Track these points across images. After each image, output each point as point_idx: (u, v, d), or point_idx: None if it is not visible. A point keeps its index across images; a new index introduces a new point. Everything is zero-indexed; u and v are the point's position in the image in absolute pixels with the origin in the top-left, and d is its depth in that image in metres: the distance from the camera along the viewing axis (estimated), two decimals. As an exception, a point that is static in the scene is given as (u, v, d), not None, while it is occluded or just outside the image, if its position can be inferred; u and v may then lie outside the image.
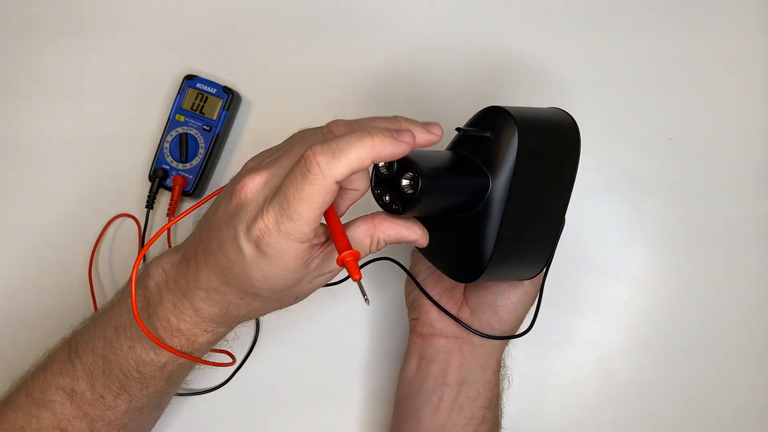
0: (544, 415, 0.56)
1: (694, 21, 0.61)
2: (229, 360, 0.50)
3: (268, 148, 0.40)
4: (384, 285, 0.59)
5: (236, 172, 0.38)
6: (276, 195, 0.34)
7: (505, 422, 0.52)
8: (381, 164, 0.40)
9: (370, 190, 0.40)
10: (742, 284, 0.58)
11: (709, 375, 0.57)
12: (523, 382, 0.55)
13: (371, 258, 0.54)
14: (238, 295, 0.38)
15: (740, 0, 0.60)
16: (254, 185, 0.35)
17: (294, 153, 0.36)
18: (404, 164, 0.39)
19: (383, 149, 0.33)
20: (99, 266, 0.60)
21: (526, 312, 0.50)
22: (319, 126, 0.38)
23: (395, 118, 0.38)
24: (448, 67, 0.61)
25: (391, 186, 0.40)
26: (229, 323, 0.41)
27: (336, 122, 0.37)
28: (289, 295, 0.40)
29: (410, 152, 0.37)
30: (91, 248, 0.60)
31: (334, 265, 0.38)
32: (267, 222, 0.34)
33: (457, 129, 0.43)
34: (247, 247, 0.35)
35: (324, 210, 0.34)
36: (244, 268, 0.36)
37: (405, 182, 0.39)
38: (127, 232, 0.61)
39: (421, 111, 0.60)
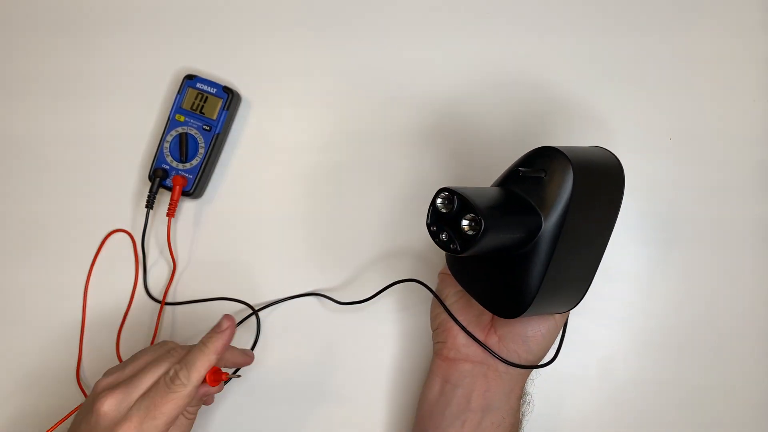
0: (544, 415, 0.56)
1: (694, 21, 0.60)
2: None
3: (114, 366, 0.48)
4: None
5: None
6: (141, 402, 0.43)
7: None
8: (438, 201, 0.41)
9: (426, 227, 0.42)
10: (741, 284, 0.58)
11: (709, 375, 0.57)
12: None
13: (398, 278, 0.56)
14: None
15: (740, 0, 0.60)
16: (113, 400, 0.43)
17: (149, 372, 0.45)
18: (465, 204, 0.40)
19: (218, 349, 0.46)
20: (94, 273, 0.61)
21: (553, 342, 0.50)
22: (157, 345, 0.49)
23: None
24: (450, 70, 0.61)
25: (449, 224, 0.40)
26: None
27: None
28: None
29: (467, 190, 0.40)
30: (89, 251, 0.60)
31: None
32: (130, 425, 0.42)
33: (518, 170, 0.43)
34: None
35: (184, 408, 0.44)
36: None
37: (465, 223, 0.40)
38: (124, 235, 0.61)
39: (405, 113, 0.61)
